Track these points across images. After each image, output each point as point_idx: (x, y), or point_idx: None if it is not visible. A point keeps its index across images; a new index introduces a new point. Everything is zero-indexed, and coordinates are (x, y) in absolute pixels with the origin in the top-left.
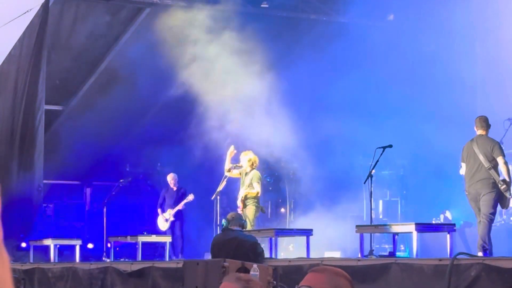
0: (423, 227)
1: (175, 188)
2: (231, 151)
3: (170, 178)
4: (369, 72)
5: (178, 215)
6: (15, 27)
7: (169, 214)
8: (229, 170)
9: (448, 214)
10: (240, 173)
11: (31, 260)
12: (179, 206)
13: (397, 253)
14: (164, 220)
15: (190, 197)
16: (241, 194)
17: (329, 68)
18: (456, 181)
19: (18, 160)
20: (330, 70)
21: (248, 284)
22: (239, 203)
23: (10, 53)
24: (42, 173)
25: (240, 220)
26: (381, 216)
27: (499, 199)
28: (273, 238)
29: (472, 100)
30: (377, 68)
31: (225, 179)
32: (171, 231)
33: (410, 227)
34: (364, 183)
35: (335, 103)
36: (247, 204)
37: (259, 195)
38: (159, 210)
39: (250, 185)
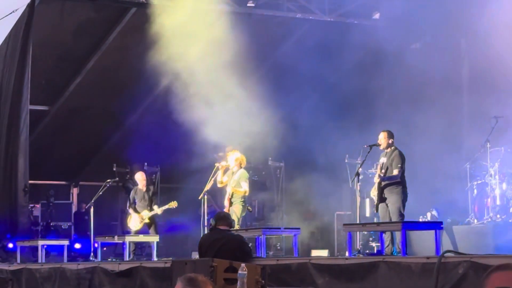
0: (410, 225)
1: (144, 189)
2: (224, 166)
3: (140, 177)
4: (354, 69)
5: (153, 217)
6: (1, 27)
7: (146, 216)
8: (221, 182)
9: (434, 212)
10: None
11: (18, 261)
12: (159, 211)
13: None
14: (139, 221)
15: (173, 204)
16: (228, 191)
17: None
18: (442, 180)
19: (3, 160)
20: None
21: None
22: (225, 202)
23: None
24: (28, 174)
25: (228, 219)
26: (368, 215)
27: None
28: (261, 237)
29: (458, 98)
30: (363, 66)
31: (212, 179)
32: (142, 232)
33: (397, 226)
34: (352, 181)
35: (320, 101)
36: (234, 202)
37: (246, 194)
38: (131, 210)
39: (237, 184)
